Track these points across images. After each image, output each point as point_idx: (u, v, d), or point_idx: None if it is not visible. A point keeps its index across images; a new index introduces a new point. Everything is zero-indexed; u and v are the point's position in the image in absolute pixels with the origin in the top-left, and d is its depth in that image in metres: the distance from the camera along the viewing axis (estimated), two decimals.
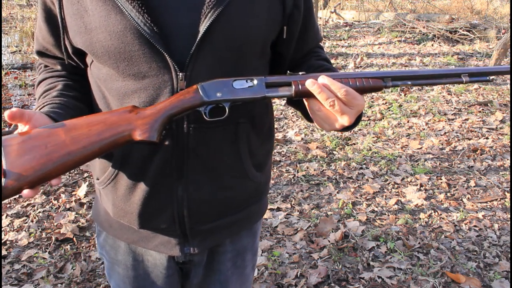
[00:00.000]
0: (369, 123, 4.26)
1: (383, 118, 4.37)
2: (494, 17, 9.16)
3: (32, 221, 2.59)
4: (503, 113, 4.42)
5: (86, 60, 0.90)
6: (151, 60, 0.78)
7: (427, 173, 3.23)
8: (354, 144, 3.77)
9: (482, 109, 4.57)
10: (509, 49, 5.77)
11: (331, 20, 10.33)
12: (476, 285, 2.09)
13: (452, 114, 4.45)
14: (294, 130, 4.06)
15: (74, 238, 2.44)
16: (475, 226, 2.59)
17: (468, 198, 2.91)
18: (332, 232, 2.51)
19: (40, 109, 0.83)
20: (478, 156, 3.52)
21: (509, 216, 2.69)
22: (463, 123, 4.23)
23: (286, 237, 2.49)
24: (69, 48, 0.87)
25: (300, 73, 0.81)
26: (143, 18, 0.75)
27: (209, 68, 0.80)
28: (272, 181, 3.09)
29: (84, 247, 2.39)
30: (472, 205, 2.82)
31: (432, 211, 2.74)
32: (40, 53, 0.95)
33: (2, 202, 2.32)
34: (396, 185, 3.08)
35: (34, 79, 5.57)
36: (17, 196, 2.76)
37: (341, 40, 8.50)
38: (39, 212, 2.69)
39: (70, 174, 3.20)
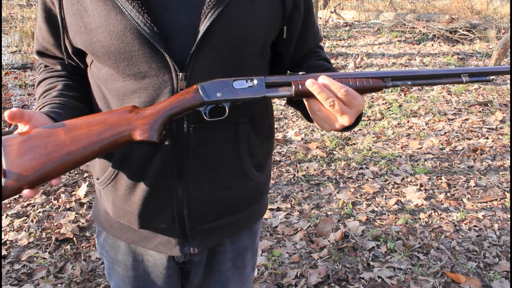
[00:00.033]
0: (369, 123, 4.26)
1: (383, 118, 4.37)
2: (494, 17, 9.16)
3: (32, 221, 2.59)
4: (503, 113, 4.42)
5: (86, 60, 0.90)
6: (151, 60, 0.78)
7: (427, 173, 3.23)
8: (354, 144, 3.77)
9: (482, 109, 4.57)
10: (509, 49, 5.77)
11: (331, 20, 10.33)
12: (476, 285, 2.09)
13: (452, 114, 4.45)
14: (294, 130, 4.06)
15: (74, 238, 2.44)
16: (475, 226, 2.59)
17: (468, 198, 2.91)
18: (332, 232, 2.51)
19: (40, 109, 0.83)
20: (478, 156, 3.52)
21: (509, 216, 2.69)
22: (463, 123, 4.23)
23: (286, 237, 2.49)
24: (69, 48, 0.87)
25: (300, 73, 0.81)
26: (143, 18, 0.75)
27: (209, 68, 0.80)
28: (272, 181, 3.09)
29: (84, 247, 2.39)
30: (472, 205, 2.82)
31: (432, 211, 2.74)
32: (40, 53, 0.95)
33: (2, 202, 2.32)
34: (396, 185, 3.08)
35: (34, 79, 5.57)
36: (17, 196, 2.76)
37: (341, 40, 8.50)
38: (39, 212, 2.69)
39: (70, 174, 3.20)
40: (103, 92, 0.87)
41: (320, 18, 9.47)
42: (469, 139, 3.85)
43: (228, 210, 0.96)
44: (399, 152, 3.60)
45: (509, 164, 3.38)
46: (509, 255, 2.31)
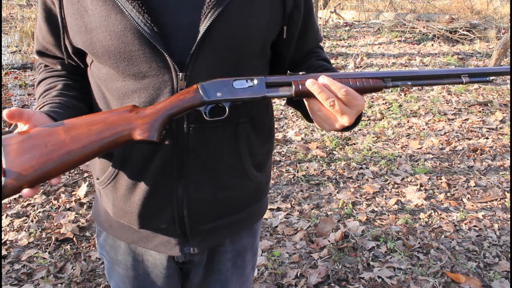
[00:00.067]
0: (369, 123, 4.26)
1: (383, 118, 4.37)
2: (494, 17, 9.16)
3: (32, 221, 2.59)
4: (503, 113, 4.42)
5: (86, 60, 0.90)
6: (151, 60, 0.78)
7: (427, 173, 3.23)
8: (354, 144, 3.77)
9: (482, 109, 4.57)
10: (509, 49, 5.77)
11: (331, 20, 10.33)
12: (476, 285, 2.09)
13: (452, 114, 4.45)
14: (294, 130, 4.06)
15: (74, 238, 2.44)
16: (475, 226, 2.59)
17: (468, 198, 2.91)
18: (332, 232, 2.51)
19: (40, 108, 0.83)
20: (478, 156, 3.52)
21: (509, 216, 2.69)
22: (463, 123, 4.23)
23: (286, 237, 2.49)
24: (69, 48, 0.87)
25: (300, 73, 0.81)
26: (143, 18, 0.75)
27: (209, 68, 0.80)
28: (272, 181, 3.09)
29: (84, 247, 2.39)
30: (472, 205, 2.82)
31: (432, 211, 2.74)
32: (40, 53, 0.95)
33: (2, 201, 2.32)
34: (396, 185, 3.08)
35: (34, 79, 5.56)
36: (17, 196, 2.75)
37: (341, 40, 8.50)
38: (39, 212, 2.69)
39: (70, 174, 3.20)
40: (103, 92, 0.87)
41: (320, 18, 9.47)
42: (469, 139, 3.85)
43: (228, 210, 0.96)
44: (399, 152, 3.60)
45: (509, 164, 3.37)
46: (509, 255, 2.31)
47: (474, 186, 3.05)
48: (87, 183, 3.00)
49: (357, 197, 2.92)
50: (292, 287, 2.10)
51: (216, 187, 0.91)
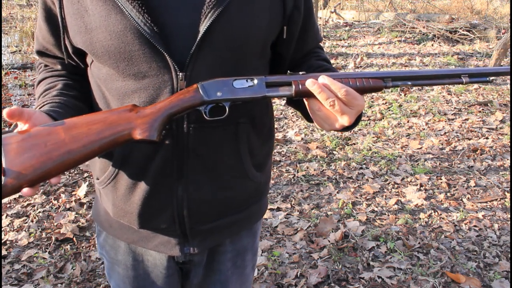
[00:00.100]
0: (369, 123, 4.26)
1: (383, 118, 4.37)
2: (494, 17, 9.16)
3: (32, 221, 2.59)
4: (503, 113, 4.42)
5: (86, 60, 0.90)
6: (151, 60, 0.78)
7: (427, 173, 3.23)
8: (354, 144, 3.77)
9: (482, 109, 4.57)
10: (509, 49, 5.77)
11: (331, 20, 10.33)
12: (476, 285, 2.09)
13: (452, 114, 4.45)
14: (294, 130, 4.06)
15: (74, 238, 2.44)
16: (475, 226, 2.59)
17: (468, 198, 2.91)
18: (332, 232, 2.51)
19: (40, 108, 0.83)
20: (478, 156, 3.52)
21: (509, 216, 2.69)
22: (463, 123, 4.23)
23: (286, 237, 2.49)
24: (69, 47, 0.87)
25: (300, 73, 0.81)
26: (143, 18, 0.75)
27: (209, 68, 0.80)
28: (272, 181, 3.09)
29: (84, 247, 2.39)
30: (472, 205, 2.82)
31: (432, 211, 2.74)
32: (40, 53, 0.95)
33: (2, 201, 2.32)
34: (396, 185, 3.08)
35: (34, 79, 5.56)
36: (17, 195, 2.75)
37: (341, 40, 8.50)
38: (39, 212, 2.69)
39: (70, 174, 3.20)
40: (103, 92, 0.87)
41: (320, 18, 9.47)
42: (469, 139, 3.85)
43: (228, 210, 0.96)
44: (399, 152, 3.60)
45: (509, 164, 3.37)
46: (509, 255, 2.31)
47: (474, 186, 3.05)
48: (87, 183, 3.00)
49: (357, 197, 2.92)
50: (292, 287, 2.10)
51: (216, 187, 0.91)
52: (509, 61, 5.86)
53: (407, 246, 2.38)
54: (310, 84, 0.77)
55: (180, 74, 0.79)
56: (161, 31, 0.77)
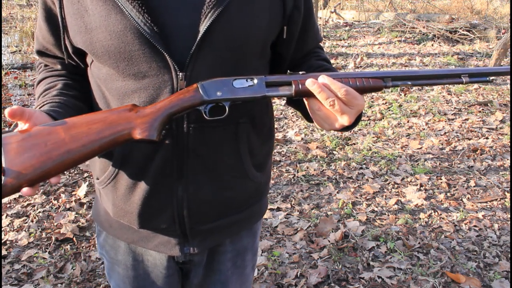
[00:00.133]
0: (369, 123, 4.26)
1: (383, 118, 4.37)
2: (494, 17, 9.16)
3: (32, 221, 2.59)
4: (503, 113, 4.42)
5: (86, 59, 0.90)
6: (151, 60, 0.78)
7: (427, 173, 3.23)
8: (354, 144, 3.77)
9: (482, 109, 4.57)
10: (509, 49, 5.77)
11: (331, 20, 10.33)
12: (476, 285, 2.09)
13: (452, 114, 4.45)
14: (294, 130, 4.06)
15: (74, 238, 2.44)
16: (475, 226, 2.59)
17: (468, 198, 2.91)
18: (332, 232, 2.51)
19: (40, 107, 0.83)
20: (478, 156, 3.52)
21: (509, 216, 2.69)
22: (463, 123, 4.23)
23: (286, 237, 2.49)
24: (69, 47, 0.87)
25: (300, 72, 0.81)
26: (143, 18, 0.75)
27: (209, 68, 0.80)
28: (272, 181, 3.09)
29: (84, 247, 2.39)
30: (472, 205, 2.82)
31: (432, 211, 2.74)
32: (40, 53, 0.95)
33: (2, 201, 2.32)
34: (396, 185, 3.08)
35: (34, 79, 5.56)
36: (17, 195, 2.74)
37: (341, 40, 8.50)
38: (39, 212, 2.69)
39: (70, 174, 3.20)
40: (103, 92, 0.87)
41: (320, 18, 9.47)
42: (469, 139, 3.85)
43: (228, 210, 0.96)
44: (399, 152, 3.60)
45: (509, 164, 3.37)
46: (509, 255, 2.31)
47: (474, 186, 3.05)
48: (87, 183, 3.00)
49: (357, 197, 2.92)
50: (292, 287, 2.10)
51: (216, 187, 0.91)
52: (509, 61, 5.86)
53: (407, 246, 2.38)
54: (310, 83, 0.77)
55: (180, 74, 0.79)
56: (161, 31, 0.77)
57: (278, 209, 2.77)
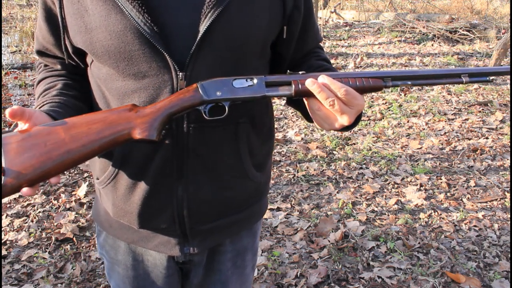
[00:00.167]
0: (369, 123, 4.26)
1: (383, 118, 4.37)
2: (494, 17, 9.16)
3: (32, 221, 2.59)
4: (503, 113, 4.42)
5: (86, 59, 0.90)
6: (151, 60, 0.78)
7: (427, 173, 3.23)
8: (354, 144, 3.77)
9: (482, 109, 4.57)
10: (509, 49, 5.77)
11: (331, 20, 10.33)
12: (476, 285, 2.09)
13: (452, 114, 4.45)
14: (294, 130, 4.06)
15: (74, 238, 2.44)
16: (475, 226, 2.59)
17: (468, 198, 2.91)
18: (332, 232, 2.51)
19: (39, 107, 0.83)
20: (478, 156, 3.52)
21: (509, 216, 2.69)
22: (463, 123, 4.23)
23: (286, 237, 2.49)
24: (69, 47, 0.87)
25: (300, 72, 0.81)
26: (143, 17, 0.75)
27: (209, 68, 0.80)
28: (272, 181, 3.09)
29: (84, 247, 2.39)
30: (472, 205, 2.82)
31: (432, 211, 2.74)
32: (40, 53, 0.95)
33: (2, 201, 2.32)
34: (396, 185, 3.08)
35: (34, 79, 5.55)
36: (17, 195, 2.74)
37: (341, 40, 8.50)
38: (39, 212, 2.69)
39: (70, 174, 3.20)
40: (103, 92, 0.87)
41: (320, 18, 9.47)
42: (469, 139, 3.85)
43: (228, 210, 0.96)
44: (399, 152, 3.60)
45: (509, 164, 3.37)
46: (509, 255, 2.31)
47: (474, 186, 3.05)
48: (87, 183, 3.00)
49: (357, 197, 2.92)
50: (292, 287, 2.10)
51: (216, 187, 0.91)
52: (509, 61, 5.86)
53: (407, 246, 2.38)
54: (309, 83, 0.77)
55: (180, 74, 0.79)
56: (161, 31, 0.77)
57: (278, 209, 2.77)
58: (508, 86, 5.29)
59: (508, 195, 2.93)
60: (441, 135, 3.95)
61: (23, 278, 2.14)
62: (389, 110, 4.59)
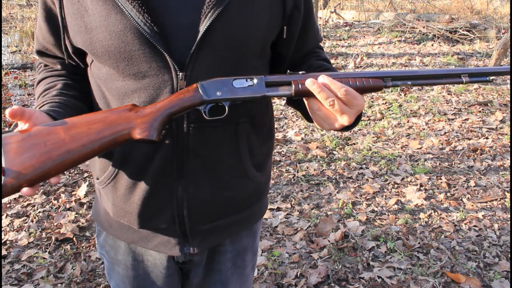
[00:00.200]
0: (369, 123, 4.26)
1: (383, 118, 4.37)
2: (494, 17, 9.16)
3: (32, 221, 2.59)
4: (503, 113, 4.42)
5: (86, 59, 0.90)
6: (151, 60, 0.78)
7: (427, 173, 3.22)
8: (354, 144, 3.77)
9: (482, 109, 4.57)
10: (509, 49, 5.77)
11: (331, 20, 10.33)
12: (476, 285, 2.09)
13: (452, 114, 4.45)
14: (294, 130, 4.06)
15: (74, 238, 2.44)
16: (475, 226, 2.59)
17: (468, 198, 2.91)
18: (332, 232, 2.51)
19: (39, 107, 0.83)
20: (478, 156, 3.52)
21: (509, 216, 2.69)
22: (463, 123, 4.23)
23: (286, 237, 2.49)
24: (69, 47, 0.87)
25: (300, 72, 0.81)
26: (143, 17, 0.75)
27: (209, 68, 0.80)
28: (272, 181, 3.09)
29: (84, 247, 2.39)
30: (472, 205, 2.82)
31: (432, 211, 2.74)
32: (40, 53, 0.95)
33: (2, 201, 2.32)
34: (396, 185, 3.08)
35: (34, 79, 5.55)
36: (17, 195, 2.74)
37: (341, 40, 8.50)
38: (39, 212, 2.69)
39: (70, 174, 3.20)
40: (103, 92, 0.87)
41: (320, 18, 9.47)
42: (469, 139, 3.85)
43: (228, 210, 0.96)
44: (399, 152, 3.60)
45: (509, 164, 3.37)
46: (509, 255, 2.31)
47: (474, 186, 3.05)
48: (87, 183, 3.00)
49: (357, 197, 2.92)
50: (292, 287, 2.10)
51: (216, 187, 0.91)
52: (509, 61, 5.86)
53: (407, 246, 2.38)
54: (309, 83, 0.77)
55: (180, 74, 0.79)
56: (161, 31, 0.77)
57: (278, 209, 2.77)
58: (508, 86, 5.29)
59: (508, 195, 2.93)
60: (441, 135, 3.95)
61: (23, 278, 2.14)
62: (389, 110, 4.59)
